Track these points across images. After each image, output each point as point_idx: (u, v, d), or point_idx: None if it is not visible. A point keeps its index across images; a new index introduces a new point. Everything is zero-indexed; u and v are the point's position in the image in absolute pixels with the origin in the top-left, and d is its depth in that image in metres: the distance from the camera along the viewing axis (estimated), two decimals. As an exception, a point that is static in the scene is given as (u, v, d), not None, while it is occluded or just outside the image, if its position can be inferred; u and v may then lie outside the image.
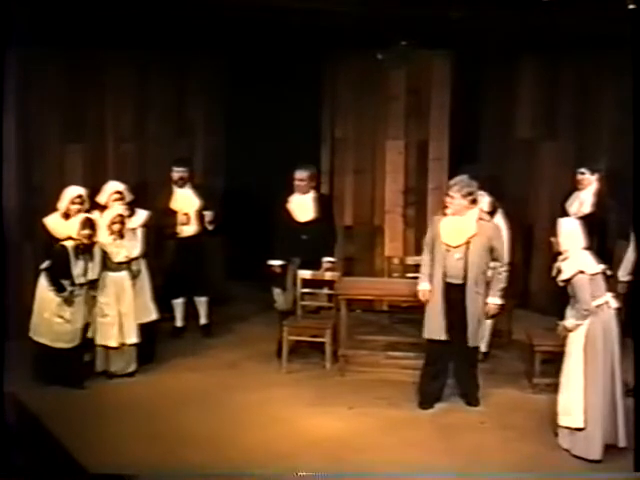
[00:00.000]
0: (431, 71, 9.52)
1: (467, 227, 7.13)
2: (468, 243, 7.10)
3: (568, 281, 6.42)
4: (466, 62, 9.44)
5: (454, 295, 7.15)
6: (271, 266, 8.41)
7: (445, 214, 7.23)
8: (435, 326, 7.21)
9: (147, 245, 8.07)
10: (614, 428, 6.38)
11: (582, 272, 6.38)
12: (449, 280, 7.14)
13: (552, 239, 6.67)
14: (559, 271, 6.49)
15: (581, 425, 6.36)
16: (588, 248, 6.56)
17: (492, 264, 7.21)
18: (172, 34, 8.68)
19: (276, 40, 8.91)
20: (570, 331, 6.42)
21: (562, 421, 6.50)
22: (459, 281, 7.13)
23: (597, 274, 6.43)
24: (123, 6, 7.75)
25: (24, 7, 7.01)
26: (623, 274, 7.59)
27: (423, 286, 7.33)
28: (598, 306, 6.37)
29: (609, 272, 6.66)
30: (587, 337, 6.36)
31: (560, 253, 6.55)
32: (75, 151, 9.10)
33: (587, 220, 7.88)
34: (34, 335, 7.61)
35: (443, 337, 7.18)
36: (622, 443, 6.38)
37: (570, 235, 6.55)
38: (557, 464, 6.35)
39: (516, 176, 9.78)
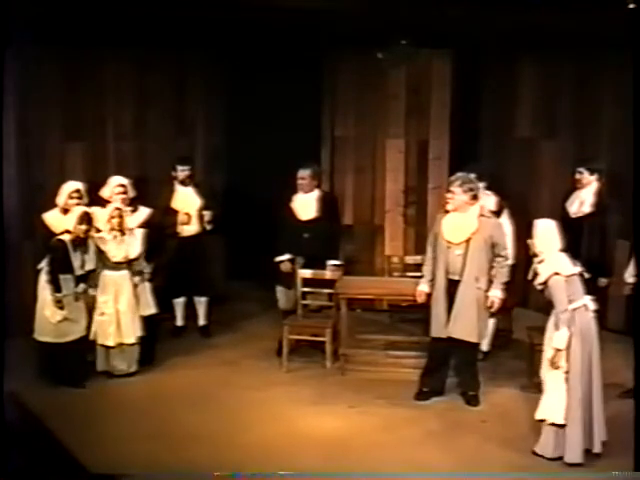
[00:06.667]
0: (431, 70, 9.52)
1: (468, 224, 7.13)
2: (469, 240, 7.11)
3: (545, 284, 6.29)
4: (466, 62, 9.44)
5: (455, 291, 7.16)
6: (279, 262, 8.36)
7: (447, 211, 7.23)
8: (438, 323, 7.22)
9: (148, 245, 8.00)
10: (589, 433, 6.27)
11: (557, 274, 6.23)
12: (450, 277, 7.16)
13: (529, 241, 6.51)
14: (535, 274, 6.38)
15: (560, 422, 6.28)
16: (564, 250, 6.39)
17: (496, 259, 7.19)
18: (172, 32, 8.68)
19: (276, 39, 8.91)
20: (563, 349, 6.19)
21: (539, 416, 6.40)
22: (459, 277, 7.15)
23: (573, 276, 6.29)
24: (123, 5, 7.76)
25: (24, 7, 7.01)
26: (629, 275, 7.55)
27: (422, 287, 7.38)
28: (575, 309, 6.24)
29: (587, 275, 6.54)
30: None
31: (536, 255, 6.40)
32: (75, 150, 9.09)
33: (587, 220, 7.96)
34: (37, 335, 7.60)
35: (443, 335, 7.20)
36: (597, 449, 6.29)
37: (546, 236, 6.39)
38: (557, 463, 6.33)
39: (516, 175, 9.77)
